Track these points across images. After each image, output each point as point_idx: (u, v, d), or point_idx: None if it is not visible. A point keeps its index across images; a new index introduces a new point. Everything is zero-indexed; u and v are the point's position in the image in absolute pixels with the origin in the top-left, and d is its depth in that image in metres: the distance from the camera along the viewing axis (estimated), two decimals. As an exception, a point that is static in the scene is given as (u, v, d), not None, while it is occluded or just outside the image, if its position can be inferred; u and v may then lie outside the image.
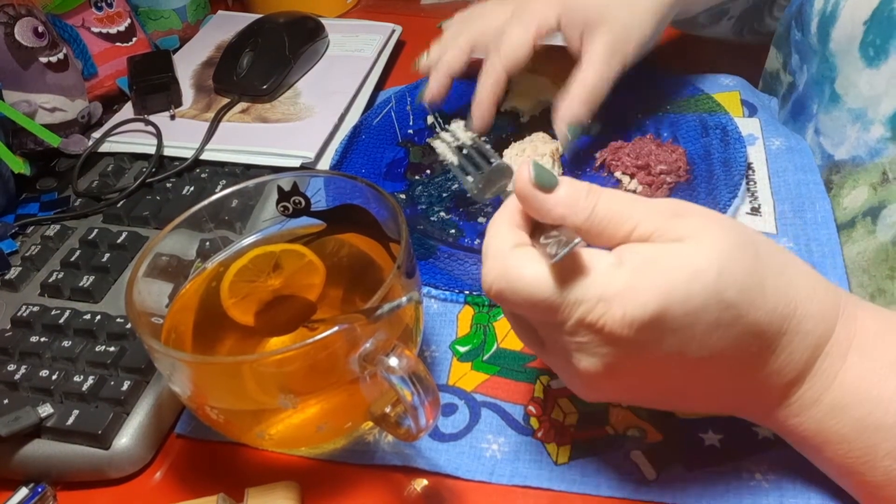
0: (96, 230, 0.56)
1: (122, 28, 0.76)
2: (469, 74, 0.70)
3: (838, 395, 0.33)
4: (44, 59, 0.64)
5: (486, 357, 0.47)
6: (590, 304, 0.31)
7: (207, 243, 0.46)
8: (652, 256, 0.31)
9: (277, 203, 0.46)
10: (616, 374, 0.33)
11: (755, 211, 0.52)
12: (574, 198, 0.33)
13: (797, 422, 0.34)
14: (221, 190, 0.48)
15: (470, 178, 0.42)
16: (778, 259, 0.33)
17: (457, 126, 0.48)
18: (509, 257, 0.32)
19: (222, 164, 0.63)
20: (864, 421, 0.33)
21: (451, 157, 0.45)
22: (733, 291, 0.31)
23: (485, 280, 0.33)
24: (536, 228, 0.34)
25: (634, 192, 0.55)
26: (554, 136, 0.61)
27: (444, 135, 0.47)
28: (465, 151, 0.44)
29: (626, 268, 0.31)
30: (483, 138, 0.61)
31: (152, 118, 0.68)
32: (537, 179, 0.33)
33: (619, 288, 0.30)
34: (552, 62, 0.65)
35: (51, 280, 0.53)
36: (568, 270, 0.31)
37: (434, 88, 0.60)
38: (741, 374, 0.34)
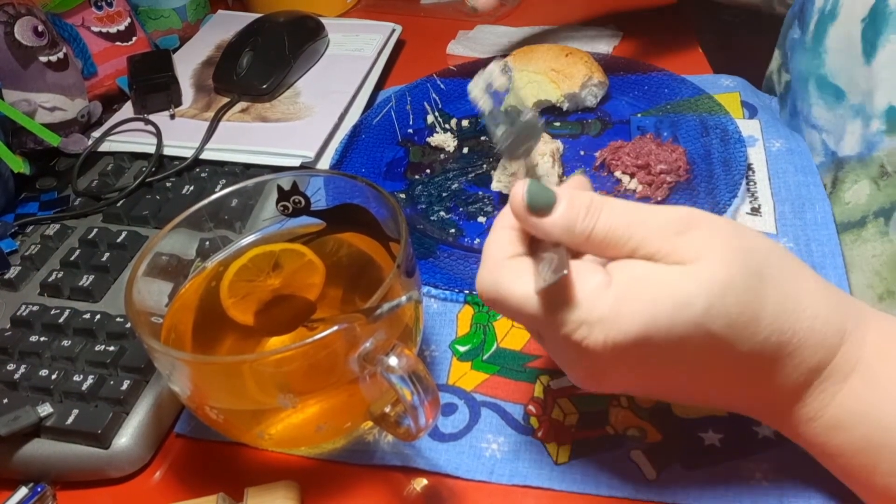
0: (96, 229, 0.56)
1: (121, 27, 0.76)
2: (476, 74, 0.70)
3: (836, 415, 0.33)
4: (43, 59, 0.64)
5: (485, 357, 0.47)
6: (573, 326, 0.31)
7: (207, 243, 0.46)
8: (643, 277, 0.31)
9: (277, 202, 0.46)
10: (606, 379, 0.33)
11: (755, 211, 0.52)
12: (571, 220, 0.32)
13: (795, 433, 0.35)
14: (221, 189, 0.48)
15: (500, 132, 0.38)
16: (783, 286, 0.32)
17: (496, 66, 0.41)
18: (503, 270, 0.33)
19: (222, 164, 0.63)
20: (862, 441, 0.33)
21: (485, 105, 0.40)
22: (720, 325, 0.30)
23: (479, 285, 0.34)
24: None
25: (634, 191, 0.55)
26: (554, 136, 0.61)
27: (478, 79, 0.41)
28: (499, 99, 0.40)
29: (613, 291, 0.30)
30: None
31: (152, 117, 0.68)
32: (531, 203, 0.32)
33: (602, 313, 0.30)
34: (553, 62, 0.65)
35: (50, 279, 0.53)
36: (554, 293, 0.31)
37: None
38: (732, 391, 0.34)
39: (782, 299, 0.31)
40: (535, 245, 0.34)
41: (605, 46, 0.74)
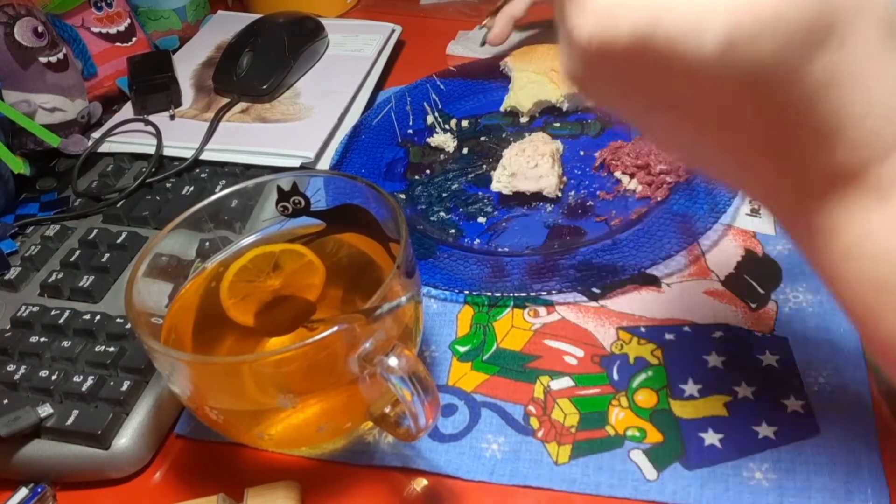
0: (96, 230, 0.56)
1: (121, 28, 0.76)
2: (475, 74, 0.70)
3: (859, 238, 0.26)
4: (43, 59, 0.64)
5: (485, 357, 0.47)
6: (567, 6, 0.25)
7: (207, 243, 0.46)
8: None
9: (277, 203, 0.46)
10: (588, 87, 0.28)
11: (755, 212, 0.52)
12: None
13: (809, 245, 0.29)
14: (221, 190, 0.48)
15: None
16: (855, 47, 0.23)
17: None
18: None
19: (222, 164, 0.63)
20: (881, 280, 0.26)
21: None
22: (737, 71, 0.23)
23: None
24: None
25: (634, 191, 0.55)
26: (554, 137, 0.61)
27: None
28: None
29: None
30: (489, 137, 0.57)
31: (152, 118, 0.68)
32: None
33: (598, 3, 0.24)
34: (552, 62, 0.65)
35: (50, 280, 0.53)
36: None
37: (497, 30, 0.63)
38: (744, 158, 0.27)
39: (843, 62, 0.23)
40: None
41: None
